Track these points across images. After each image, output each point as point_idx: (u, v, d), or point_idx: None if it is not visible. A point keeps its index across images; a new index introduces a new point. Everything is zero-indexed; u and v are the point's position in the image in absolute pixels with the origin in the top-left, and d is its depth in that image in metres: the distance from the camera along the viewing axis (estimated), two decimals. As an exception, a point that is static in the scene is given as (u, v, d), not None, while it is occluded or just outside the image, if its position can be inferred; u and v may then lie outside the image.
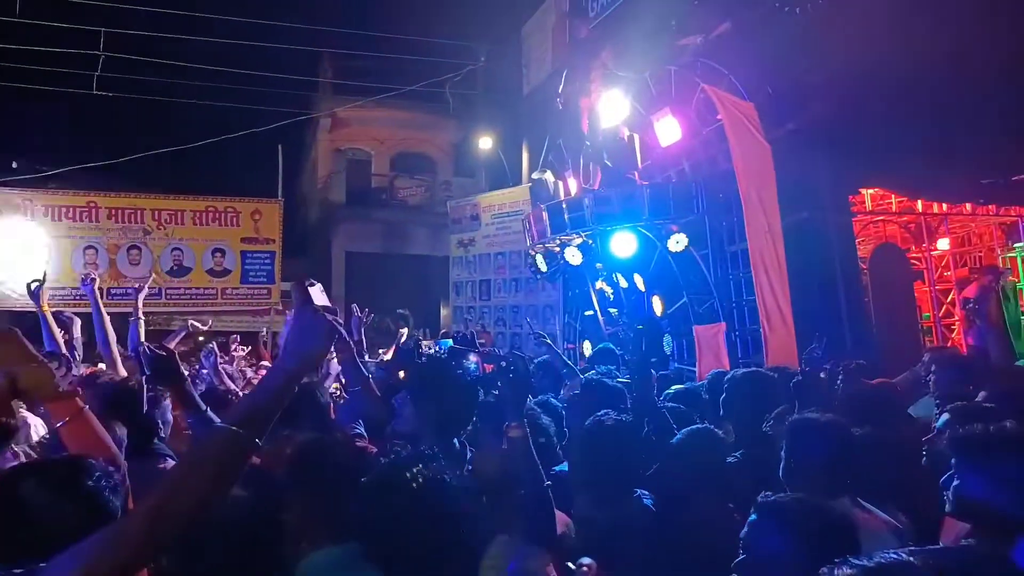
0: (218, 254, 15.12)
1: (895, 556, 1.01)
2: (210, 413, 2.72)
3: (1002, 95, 7.30)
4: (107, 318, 4.46)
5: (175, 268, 14.84)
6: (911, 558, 0.99)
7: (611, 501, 2.53)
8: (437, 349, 3.52)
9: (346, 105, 18.06)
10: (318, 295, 1.50)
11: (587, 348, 9.05)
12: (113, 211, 14.54)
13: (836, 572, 1.05)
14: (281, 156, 16.26)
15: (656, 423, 3.07)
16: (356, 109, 18.09)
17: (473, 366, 2.22)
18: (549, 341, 5.80)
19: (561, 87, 9.42)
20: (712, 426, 3.10)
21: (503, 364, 2.11)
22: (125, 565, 1.16)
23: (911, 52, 6.45)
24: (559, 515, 2.42)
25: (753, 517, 1.91)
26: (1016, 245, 9.64)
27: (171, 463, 2.80)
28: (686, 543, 2.50)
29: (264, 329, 15.18)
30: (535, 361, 5.74)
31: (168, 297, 14.71)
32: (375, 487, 1.73)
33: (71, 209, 14.30)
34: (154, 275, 13.66)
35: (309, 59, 18.03)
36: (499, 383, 2.15)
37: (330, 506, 1.91)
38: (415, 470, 1.70)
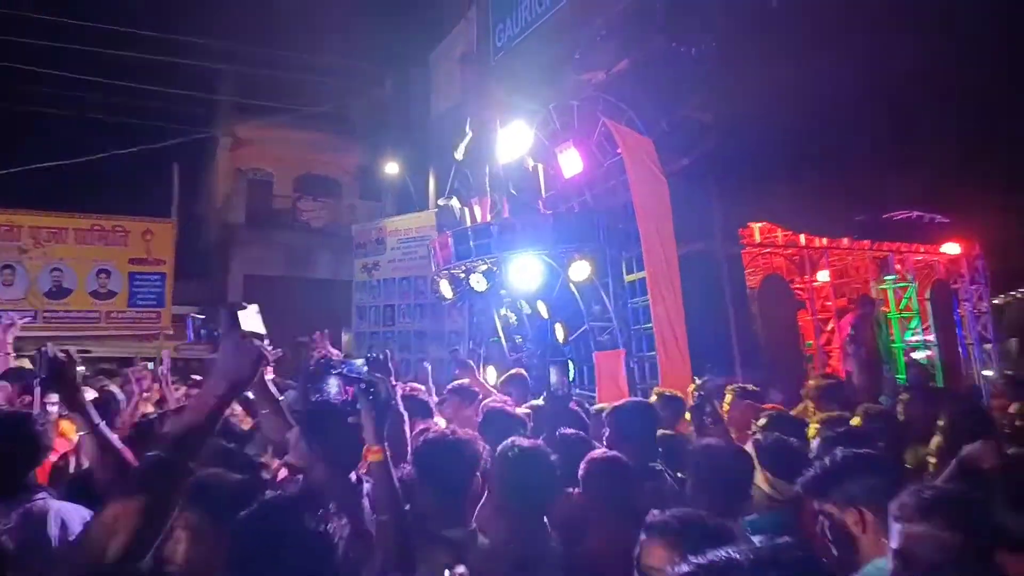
0: (103, 275, 14.30)
1: (724, 552, 1.15)
2: (103, 426, 2.57)
3: (870, 142, 7.96)
4: None
5: (54, 290, 13.89)
6: (736, 553, 1.11)
7: (521, 529, 2.51)
8: (347, 371, 3.42)
9: (248, 124, 17.58)
10: (250, 319, 1.52)
11: (491, 374, 9.08)
12: (-15, 228, 13.52)
13: (677, 571, 1.15)
14: (177, 175, 15.62)
15: (564, 449, 3.11)
16: (259, 129, 17.64)
17: (334, 389, 2.17)
18: (471, 362, 5.74)
19: (462, 143, 9.51)
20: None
21: (362, 386, 2.09)
22: None
23: (789, 96, 6.93)
24: None
25: (642, 536, 1.99)
26: (887, 278, 10.43)
27: (43, 500, 2.59)
28: (595, 571, 2.54)
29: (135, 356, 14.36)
30: (448, 387, 5.63)
31: (45, 321, 13.73)
32: (248, 526, 1.66)
33: (-64, 225, 13.21)
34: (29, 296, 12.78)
35: (210, 75, 17.47)
36: (357, 405, 2.13)
37: (220, 542, 1.84)
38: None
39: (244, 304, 1.55)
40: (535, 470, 2.54)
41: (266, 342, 1.55)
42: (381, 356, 3.22)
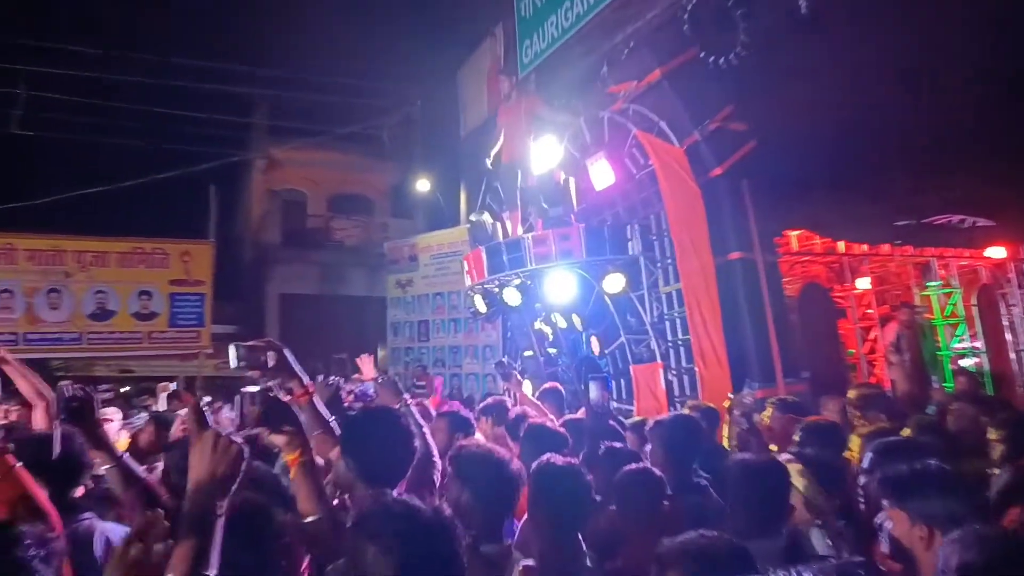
0: (144, 296, 14.62)
1: (784, 571, 1.14)
2: (126, 458, 2.60)
3: (913, 144, 7.78)
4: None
5: (98, 312, 14.25)
6: (803, 571, 1.07)
7: (556, 547, 2.49)
8: (359, 392, 3.49)
9: (281, 146, 17.89)
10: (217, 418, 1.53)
11: (527, 388, 9.03)
12: (32, 253, 13.94)
13: None
14: (214, 197, 15.93)
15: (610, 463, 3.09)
16: (292, 150, 17.93)
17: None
18: (517, 374, 5.65)
19: (493, 150, 9.56)
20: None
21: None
22: None
23: (824, 102, 6.81)
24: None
25: (655, 567, 1.94)
26: (930, 284, 10.16)
27: (88, 520, 2.63)
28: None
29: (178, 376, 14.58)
30: (480, 406, 5.53)
31: (89, 342, 14.08)
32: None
33: (-14, 252, 13.66)
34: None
35: (244, 100, 17.83)
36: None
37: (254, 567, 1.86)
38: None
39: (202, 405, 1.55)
40: (569, 488, 2.51)
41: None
42: (390, 379, 3.27)
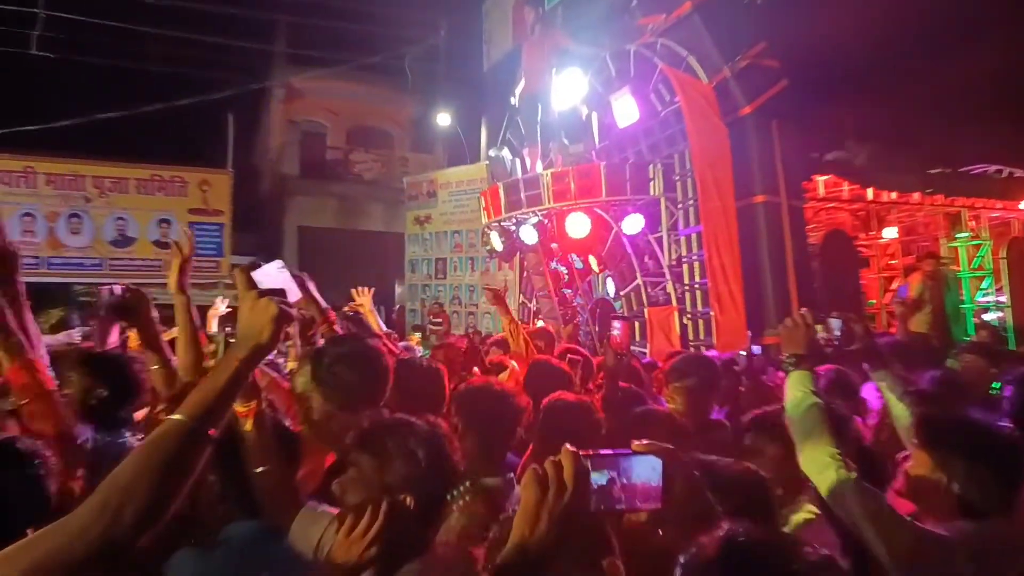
0: (164, 224, 14.68)
1: None
2: (174, 362, 2.59)
3: (952, 88, 7.45)
4: None
5: (119, 239, 14.35)
6: None
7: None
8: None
9: (301, 75, 17.59)
10: (270, 276, 1.45)
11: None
12: (52, 177, 13.97)
13: None
14: (232, 126, 15.79)
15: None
16: (312, 80, 17.63)
17: None
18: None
19: (518, 88, 9.28)
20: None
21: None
22: (77, 564, 1.10)
23: (865, 41, 6.50)
24: None
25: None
26: (959, 235, 9.89)
27: (124, 439, 2.63)
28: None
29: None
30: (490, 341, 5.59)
31: (111, 268, 14.22)
32: None
33: (7, 174, 13.70)
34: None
35: (264, 26, 17.49)
36: None
37: (244, 483, 1.87)
38: None
39: (259, 262, 1.50)
40: (578, 424, 2.47)
41: (293, 296, 1.48)
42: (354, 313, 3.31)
